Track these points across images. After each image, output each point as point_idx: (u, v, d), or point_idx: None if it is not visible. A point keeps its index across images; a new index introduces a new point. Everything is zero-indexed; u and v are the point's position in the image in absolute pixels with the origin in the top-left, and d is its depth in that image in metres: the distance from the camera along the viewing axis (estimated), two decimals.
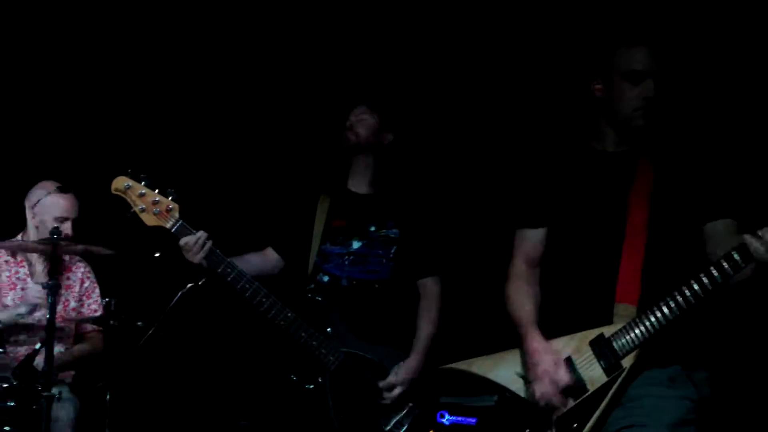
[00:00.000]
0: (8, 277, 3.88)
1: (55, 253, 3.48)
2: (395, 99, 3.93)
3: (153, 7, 4.67)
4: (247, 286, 3.30)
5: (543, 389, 2.62)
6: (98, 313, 3.91)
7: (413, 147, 4.00)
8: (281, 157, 4.80)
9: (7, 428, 3.23)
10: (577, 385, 2.61)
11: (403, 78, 4.59)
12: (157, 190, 3.26)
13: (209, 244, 3.25)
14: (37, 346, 3.41)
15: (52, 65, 4.74)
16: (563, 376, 2.61)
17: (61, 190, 3.76)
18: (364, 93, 3.81)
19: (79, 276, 3.96)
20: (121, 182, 3.26)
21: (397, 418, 3.37)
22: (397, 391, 3.37)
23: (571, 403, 2.61)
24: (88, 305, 3.97)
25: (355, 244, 3.54)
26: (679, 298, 2.47)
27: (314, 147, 4.45)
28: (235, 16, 4.71)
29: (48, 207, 3.81)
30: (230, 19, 4.71)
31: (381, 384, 3.37)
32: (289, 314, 3.33)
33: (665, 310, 2.49)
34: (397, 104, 3.79)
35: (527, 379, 2.72)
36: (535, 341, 2.69)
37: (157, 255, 3.92)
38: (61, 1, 4.65)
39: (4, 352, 3.47)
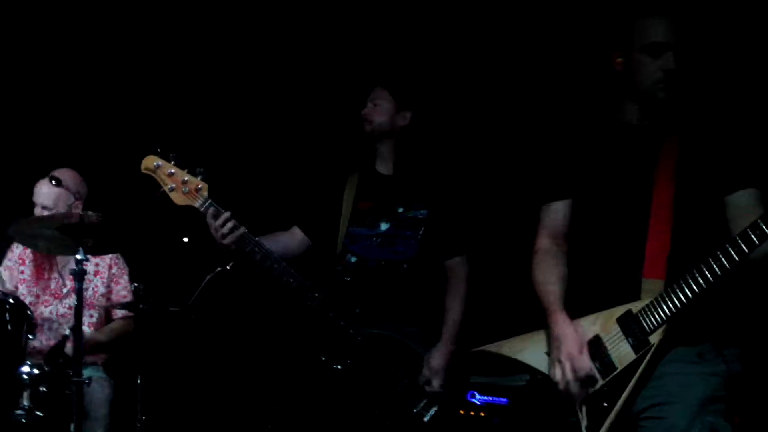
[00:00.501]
0: (35, 269, 3.93)
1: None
2: (414, 75, 3.89)
3: None
4: (275, 266, 3.29)
5: (563, 374, 2.58)
6: (127, 299, 3.94)
7: (437, 125, 3.96)
8: (309, 138, 4.80)
9: (39, 413, 3.26)
10: (605, 364, 2.57)
11: (424, 55, 4.56)
12: (186, 170, 3.26)
13: (235, 223, 3.24)
14: (67, 332, 3.45)
15: (80, 48, 4.79)
16: (585, 364, 2.56)
17: (51, 178, 3.78)
18: (380, 72, 3.77)
19: (108, 262, 3.99)
20: (150, 161, 3.26)
21: (426, 399, 3.36)
22: (436, 382, 3.35)
23: (601, 382, 2.57)
24: (117, 291, 4.00)
25: (383, 226, 3.51)
26: (706, 271, 2.40)
27: (341, 128, 4.44)
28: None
29: (34, 193, 3.88)
30: (256, 2, 4.71)
31: (420, 381, 3.35)
32: (317, 294, 3.33)
33: (692, 283, 2.42)
34: (417, 81, 3.76)
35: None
36: (560, 324, 2.64)
37: (185, 240, 3.93)
38: None
39: (35, 339, 3.50)
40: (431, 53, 4.61)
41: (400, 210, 3.53)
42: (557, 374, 2.59)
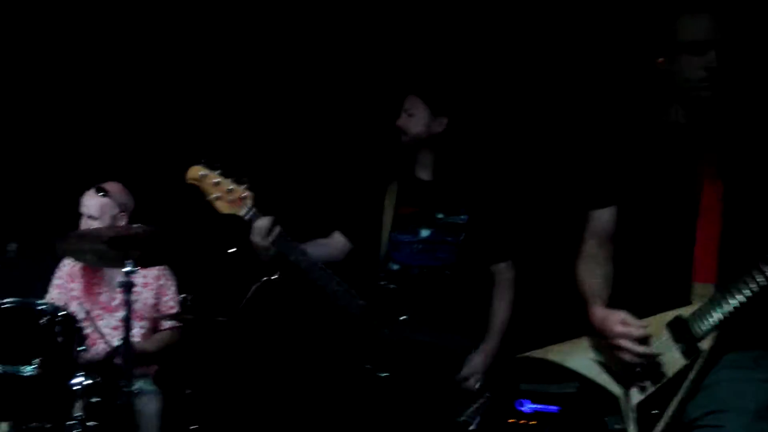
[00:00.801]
0: (84, 284, 3.99)
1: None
2: (448, 80, 3.87)
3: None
4: (320, 274, 3.29)
5: (626, 348, 2.51)
6: (175, 310, 3.99)
7: (476, 129, 3.94)
8: (349, 145, 4.81)
9: (90, 423, 3.31)
10: (656, 370, 2.52)
11: (460, 59, 4.54)
12: (231, 179, 3.27)
13: (280, 231, 3.25)
14: (117, 342, 3.49)
15: (125, 60, 4.87)
16: (636, 329, 2.50)
17: (97, 189, 3.84)
18: (413, 79, 3.77)
19: (155, 273, 4.04)
20: (195, 171, 3.28)
21: (473, 408, 3.33)
22: (473, 381, 3.33)
23: (651, 388, 2.52)
24: (165, 302, 4.05)
25: (424, 232, 3.50)
26: (758, 274, 2.32)
27: (380, 134, 4.44)
28: (294, 6, 4.74)
29: (81, 204, 3.95)
30: (292, 8, 4.74)
31: (457, 377, 3.33)
32: (361, 302, 3.32)
33: (744, 287, 2.35)
34: (452, 86, 3.74)
35: (604, 364, 2.63)
36: (599, 311, 2.60)
37: (232, 250, 3.96)
38: None
39: (86, 350, 3.55)
40: (468, 57, 4.59)
41: (441, 216, 3.52)
42: (624, 357, 2.52)
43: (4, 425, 3.27)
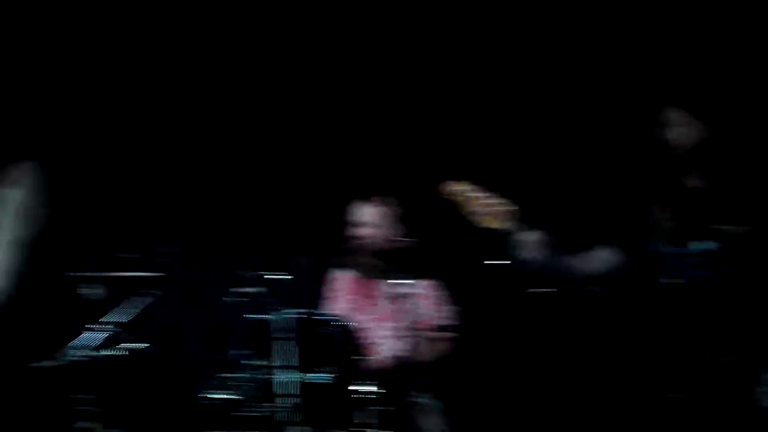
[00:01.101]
0: (361, 295, 4.16)
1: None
2: (714, 86, 3.69)
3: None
4: (586, 288, 3.25)
5: None
6: (446, 322, 4.08)
7: (751, 132, 3.72)
8: (617, 156, 4.72)
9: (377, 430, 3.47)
10: None
11: (729, 61, 4.31)
12: (491, 193, 3.30)
13: (547, 246, 3.24)
14: (400, 353, 3.62)
15: (379, 77, 5.08)
16: None
17: (371, 200, 4.00)
18: (675, 91, 3.63)
19: (428, 285, 4.14)
20: (453, 186, 3.34)
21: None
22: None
23: None
24: (436, 314, 4.13)
25: (701, 245, 3.35)
26: None
27: (648, 145, 4.33)
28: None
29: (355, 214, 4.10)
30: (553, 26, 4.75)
31: (754, 399, 3.16)
32: (638, 319, 3.23)
33: None
34: (718, 91, 3.56)
35: None
36: None
37: (499, 263, 4.00)
38: None
39: (367, 360, 3.71)
40: (736, 58, 4.36)
41: (718, 227, 3.35)
42: None
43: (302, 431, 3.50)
